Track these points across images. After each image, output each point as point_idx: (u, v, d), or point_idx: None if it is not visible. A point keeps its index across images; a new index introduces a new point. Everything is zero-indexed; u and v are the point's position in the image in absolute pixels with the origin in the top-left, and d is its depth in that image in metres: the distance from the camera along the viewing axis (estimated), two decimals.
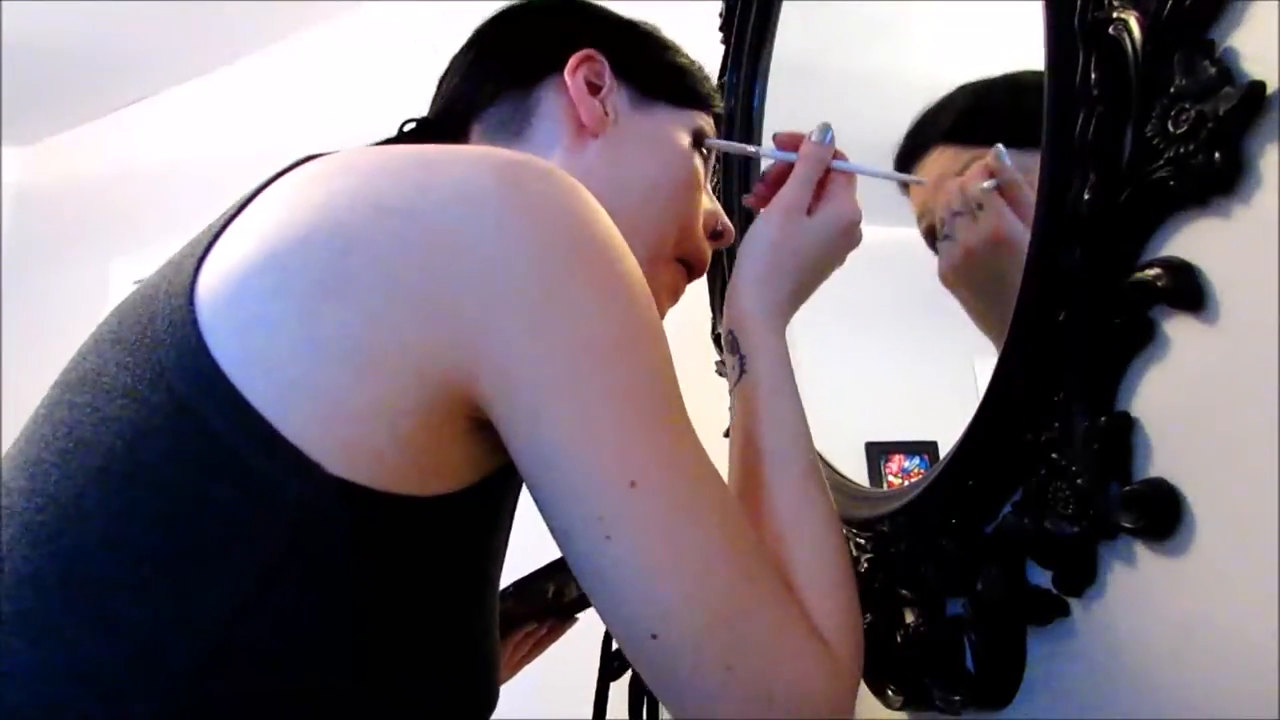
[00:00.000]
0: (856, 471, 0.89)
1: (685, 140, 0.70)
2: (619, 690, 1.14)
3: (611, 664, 1.13)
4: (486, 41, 0.72)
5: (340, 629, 0.43)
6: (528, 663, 0.87)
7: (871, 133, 0.91)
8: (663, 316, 0.69)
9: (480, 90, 0.68)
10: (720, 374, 1.10)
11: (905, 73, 0.91)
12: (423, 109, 0.73)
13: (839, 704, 0.48)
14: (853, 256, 0.72)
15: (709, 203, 0.73)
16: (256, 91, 2.42)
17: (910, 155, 0.80)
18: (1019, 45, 0.66)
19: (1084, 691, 0.59)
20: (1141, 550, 0.54)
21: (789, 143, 0.72)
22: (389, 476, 0.43)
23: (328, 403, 0.42)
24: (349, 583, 0.43)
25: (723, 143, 0.76)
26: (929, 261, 0.80)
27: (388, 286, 0.43)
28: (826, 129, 0.69)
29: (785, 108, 1.08)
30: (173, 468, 0.42)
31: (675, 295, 0.72)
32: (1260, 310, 0.48)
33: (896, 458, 0.90)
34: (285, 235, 0.45)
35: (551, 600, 0.86)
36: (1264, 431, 0.47)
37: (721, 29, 1.15)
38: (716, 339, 1.13)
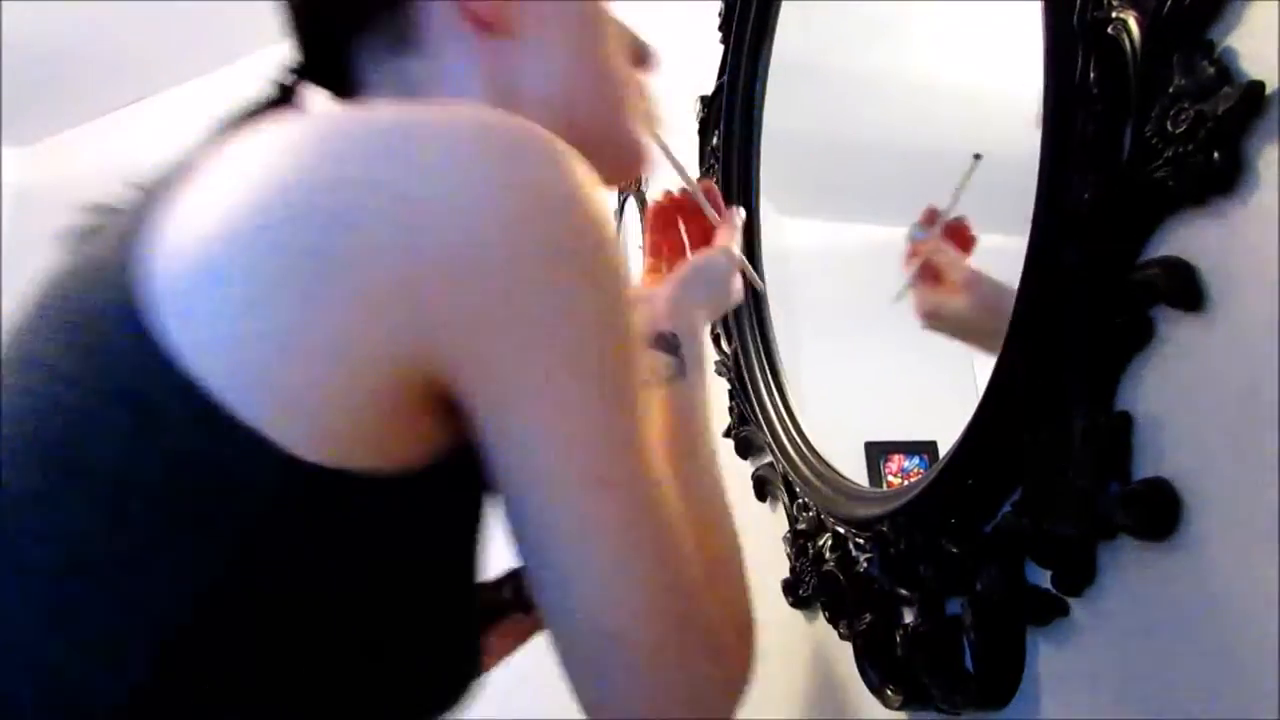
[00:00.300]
0: (856, 471, 0.89)
1: None
2: None
3: None
4: None
5: (309, 613, 0.42)
6: (512, 652, 0.86)
7: (871, 133, 0.91)
8: (649, 147, 0.67)
9: (346, 9, 0.59)
10: (719, 374, 1.10)
11: (905, 73, 0.91)
12: None
13: (746, 686, 0.51)
14: (854, 257, 0.72)
15: (619, 30, 0.65)
16: (256, 92, 2.42)
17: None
18: (1019, 45, 0.66)
19: (1084, 691, 0.59)
20: (1141, 550, 0.54)
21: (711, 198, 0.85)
22: (354, 455, 0.41)
23: (291, 387, 0.40)
24: (317, 565, 0.42)
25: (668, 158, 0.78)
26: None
27: (359, 266, 0.41)
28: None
29: (785, 108, 1.08)
30: (128, 458, 0.40)
31: (654, 121, 0.69)
32: (1259, 310, 0.48)
33: (896, 458, 0.90)
34: (248, 212, 0.42)
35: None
36: (1263, 431, 0.47)
37: (721, 29, 1.15)
38: (715, 339, 1.13)
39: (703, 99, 1.20)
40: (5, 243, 2.71)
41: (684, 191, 0.87)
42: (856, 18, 0.98)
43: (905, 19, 0.90)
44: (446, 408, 0.45)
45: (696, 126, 1.22)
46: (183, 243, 0.43)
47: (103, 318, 0.43)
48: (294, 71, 0.62)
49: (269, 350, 0.40)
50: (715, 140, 1.16)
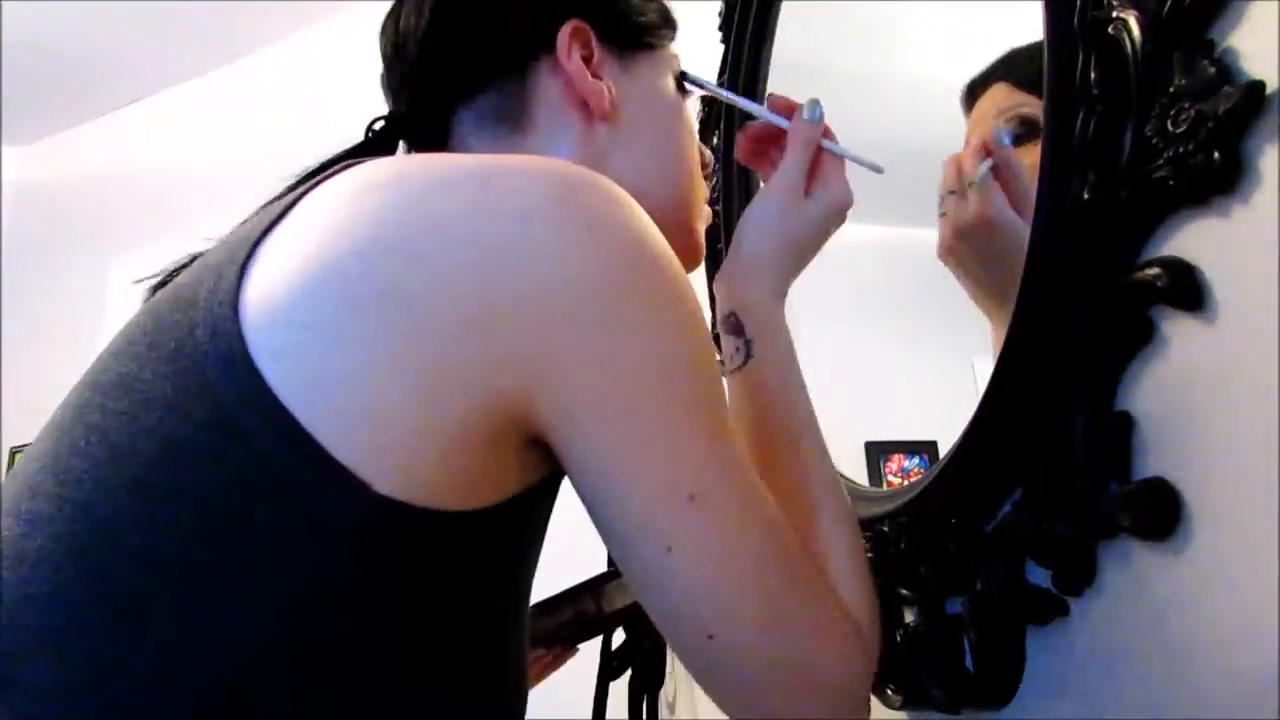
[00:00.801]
0: (856, 471, 0.89)
1: (672, 86, 0.67)
2: (619, 690, 1.14)
3: (611, 664, 1.13)
4: (451, 17, 0.63)
5: (379, 647, 0.43)
6: (531, 687, 0.87)
7: (871, 133, 0.91)
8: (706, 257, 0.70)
9: (459, 76, 0.63)
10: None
11: (905, 73, 0.91)
12: None
13: (867, 685, 0.52)
14: (853, 256, 0.72)
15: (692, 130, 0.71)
16: (255, 92, 2.42)
17: (974, 90, 0.79)
18: (1019, 45, 0.66)
19: (1084, 691, 0.59)
20: (1141, 550, 0.54)
21: (782, 107, 0.71)
22: (436, 493, 0.43)
23: (380, 424, 0.41)
24: (391, 600, 0.43)
25: (721, 91, 0.74)
26: (929, 261, 0.80)
27: (444, 305, 0.42)
28: (816, 105, 0.70)
29: None
30: (215, 484, 0.41)
31: (709, 220, 0.73)
32: (1260, 310, 0.48)
33: (896, 457, 0.90)
34: (337, 249, 0.44)
35: (568, 624, 0.86)
36: (1263, 431, 0.47)
37: (721, 29, 1.15)
38: (716, 339, 1.13)
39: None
40: (5, 243, 2.71)
41: (748, 121, 0.76)
42: (856, 18, 0.98)
43: (905, 19, 0.90)
44: (530, 445, 0.47)
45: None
46: (274, 279, 0.44)
47: (198, 348, 0.44)
48: (391, 122, 0.65)
49: (353, 388, 0.41)
50: (715, 140, 1.16)
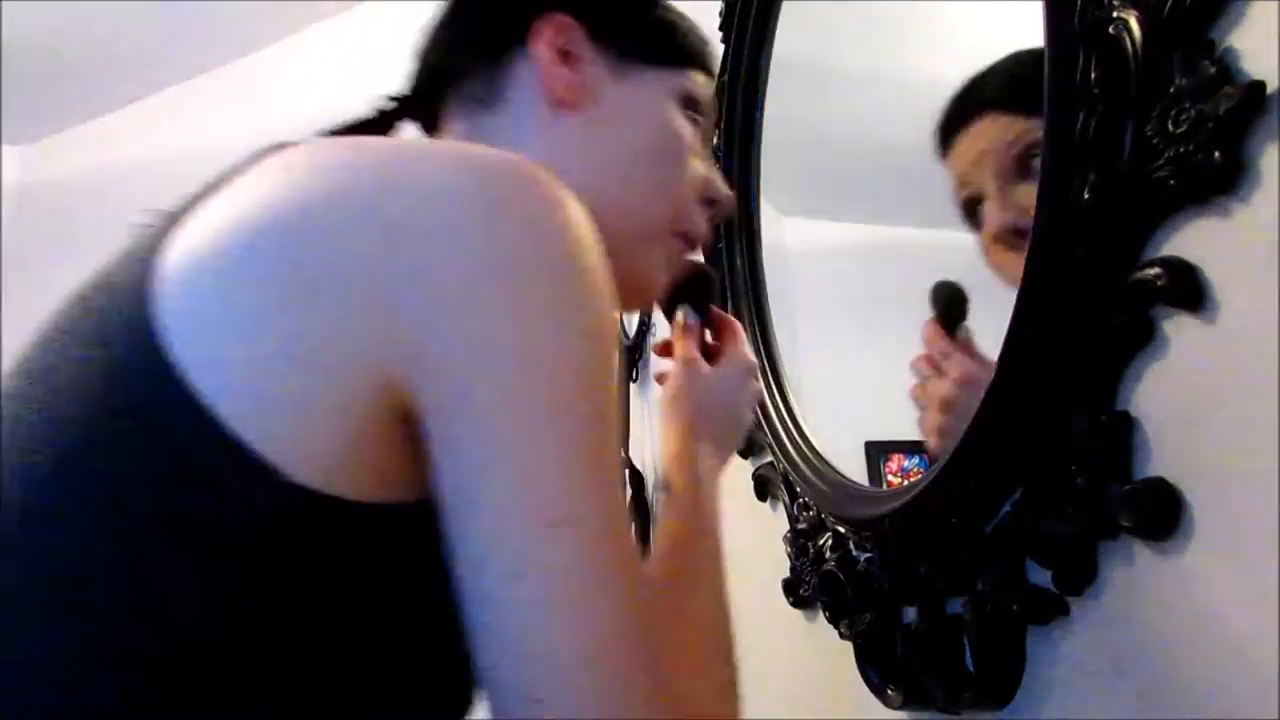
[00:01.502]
0: (856, 471, 0.89)
1: (671, 106, 0.65)
2: None
3: None
4: (460, 6, 0.67)
5: (301, 635, 0.41)
6: None
7: (871, 133, 0.91)
8: (661, 293, 0.69)
9: (452, 60, 0.65)
10: None
11: (905, 73, 0.91)
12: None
13: None
14: (853, 256, 0.72)
15: (703, 169, 0.68)
16: (256, 91, 2.42)
17: (956, 123, 0.77)
18: (1019, 45, 0.66)
19: (1084, 691, 0.59)
20: (1141, 550, 0.54)
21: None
22: (353, 484, 0.41)
23: (285, 406, 0.40)
24: (313, 590, 0.41)
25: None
26: (929, 261, 0.80)
27: (338, 281, 0.41)
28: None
29: (785, 108, 1.08)
30: (129, 473, 0.40)
31: (677, 268, 0.70)
32: (1260, 310, 0.48)
33: (896, 457, 0.90)
34: (239, 228, 0.43)
35: None
36: (1264, 431, 0.47)
37: (721, 29, 1.15)
38: None
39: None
40: (5, 243, 2.71)
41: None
42: (856, 18, 0.98)
43: (905, 19, 0.90)
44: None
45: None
46: (185, 262, 0.43)
47: (116, 333, 0.43)
48: (396, 101, 0.67)
49: (256, 369, 0.40)
50: (715, 140, 1.16)
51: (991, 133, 0.74)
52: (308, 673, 0.42)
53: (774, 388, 1.02)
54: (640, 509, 1.34)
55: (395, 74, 0.69)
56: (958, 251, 0.75)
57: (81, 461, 0.41)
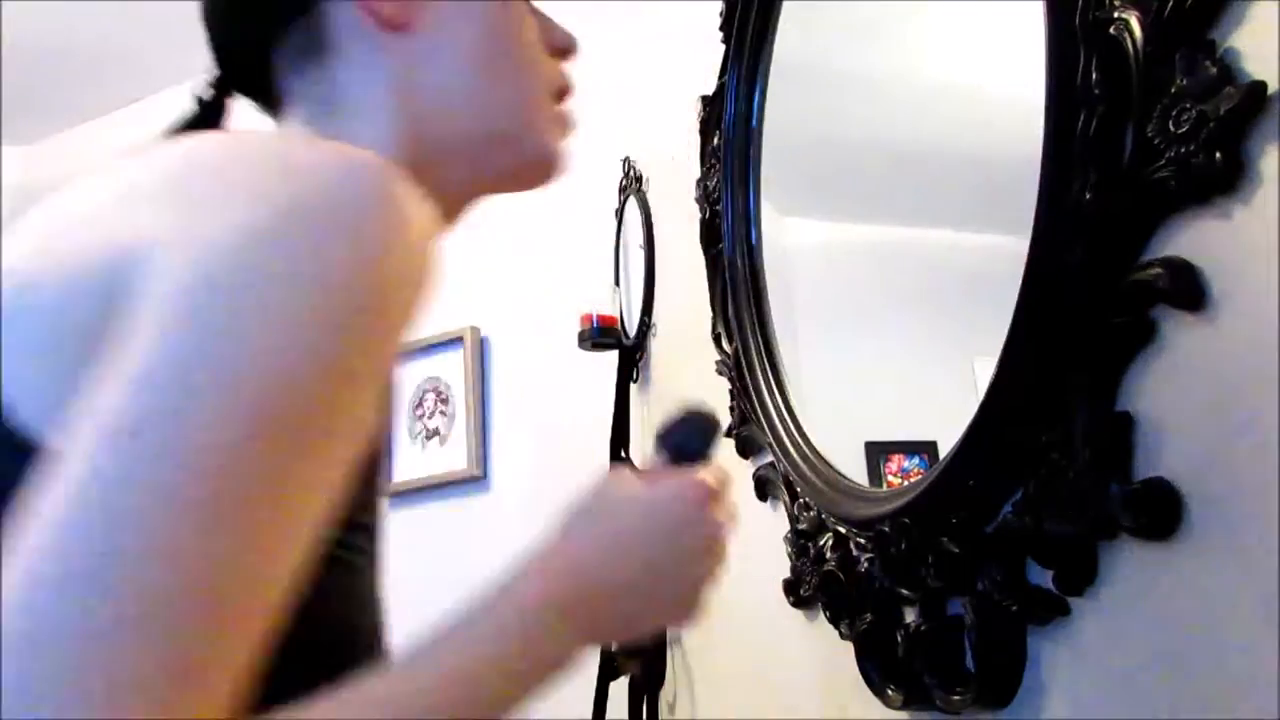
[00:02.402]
0: (856, 471, 0.89)
1: None
2: (619, 690, 1.14)
3: (611, 664, 1.13)
4: None
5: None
6: None
7: (871, 133, 0.91)
8: (566, 153, 0.60)
9: (258, 28, 0.58)
10: (720, 373, 1.10)
11: (905, 73, 0.91)
12: None
13: None
14: (853, 256, 0.72)
15: (535, 24, 0.61)
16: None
17: None
18: (1019, 45, 0.67)
19: (1084, 691, 0.59)
20: (1141, 550, 0.54)
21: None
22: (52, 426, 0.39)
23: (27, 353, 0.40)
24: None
25: None
26: (928, 261, 0.80)
27: (82, 232, 0.42)
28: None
29: (785, 108, 1.08)
30: None
31: (568, 126, 0.63)
32: (1260, 310, 0.48)
33: (896, 457, 0.90)
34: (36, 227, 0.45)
35: None
36: (1264, 431, 0.47)
37: (721, 29, 1.15)
38: (716, 338, 1.13)
39: (703, 99, 1.20)
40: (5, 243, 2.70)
41: None
42: (856, 18, 0.98)
43: (905, 19, 0.90)
44: None
45: (698, 127, 1.22)
46: None
47: None
48: (217, 86, 0.60)
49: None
50: (716, 140, 1.16)
51: None
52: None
53: (774, 388, 1.02)
54: None
55: None
56: (958, 251, 0.76)
57: None
